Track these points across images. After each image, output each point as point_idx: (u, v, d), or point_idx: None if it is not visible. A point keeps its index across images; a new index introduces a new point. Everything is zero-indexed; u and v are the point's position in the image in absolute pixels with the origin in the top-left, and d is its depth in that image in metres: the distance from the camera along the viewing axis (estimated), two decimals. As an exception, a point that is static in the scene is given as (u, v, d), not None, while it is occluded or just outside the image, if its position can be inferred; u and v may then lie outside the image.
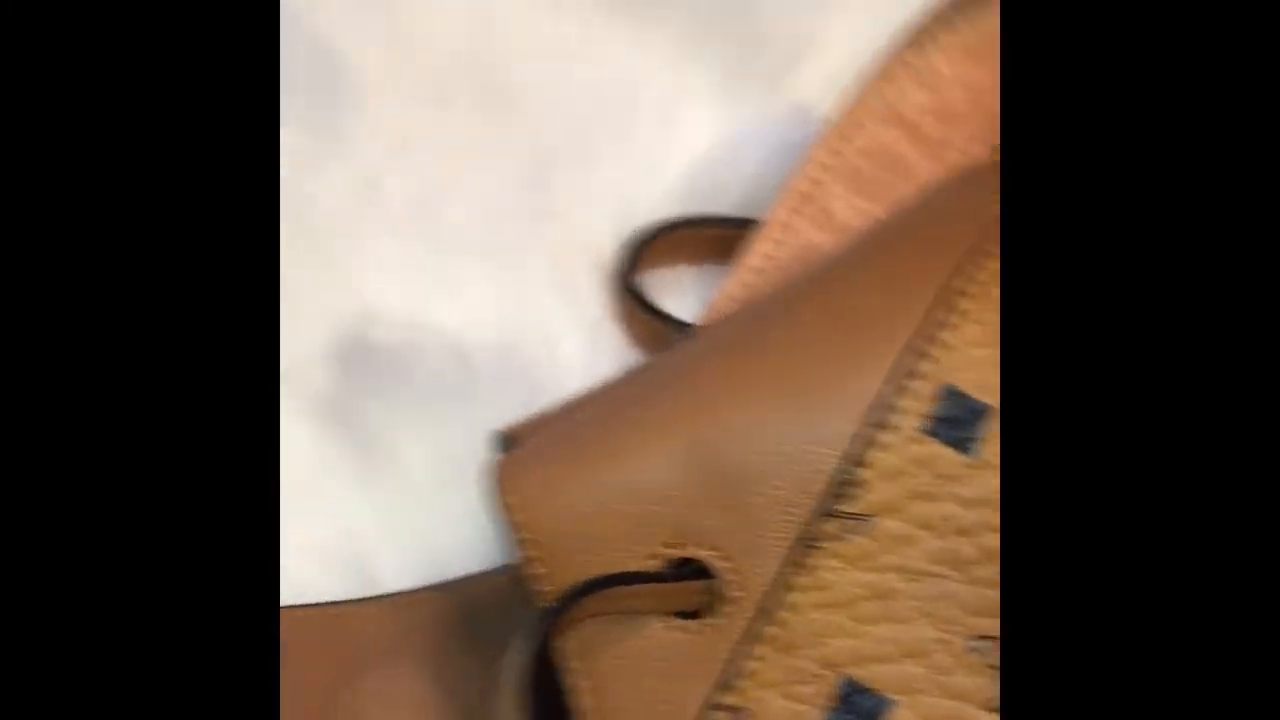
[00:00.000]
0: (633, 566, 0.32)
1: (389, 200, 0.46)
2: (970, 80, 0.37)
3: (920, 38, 0.39)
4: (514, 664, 0.31)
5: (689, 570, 0.32)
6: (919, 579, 0.32)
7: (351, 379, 0.43)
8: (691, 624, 0.32)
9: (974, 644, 0.32)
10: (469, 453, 0.40)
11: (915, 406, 0.32)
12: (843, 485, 0.32)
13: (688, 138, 0.47)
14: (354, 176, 0.45)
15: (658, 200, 0.47)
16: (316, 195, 0.45)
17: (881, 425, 0.32)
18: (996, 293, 0.33)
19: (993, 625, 0.31)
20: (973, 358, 0.32)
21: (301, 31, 0.45)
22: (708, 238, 0.47)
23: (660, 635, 0.32)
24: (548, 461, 0.33)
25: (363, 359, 0.43)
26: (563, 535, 0.32)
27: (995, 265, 0.33)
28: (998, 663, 0.31)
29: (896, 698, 0.31)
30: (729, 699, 0.32)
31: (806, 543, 0.32)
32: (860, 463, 0.32)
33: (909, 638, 0.32)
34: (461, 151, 0.47)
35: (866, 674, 0.32)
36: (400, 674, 0.36)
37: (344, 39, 0.46)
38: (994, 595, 0.32)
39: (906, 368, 0.32)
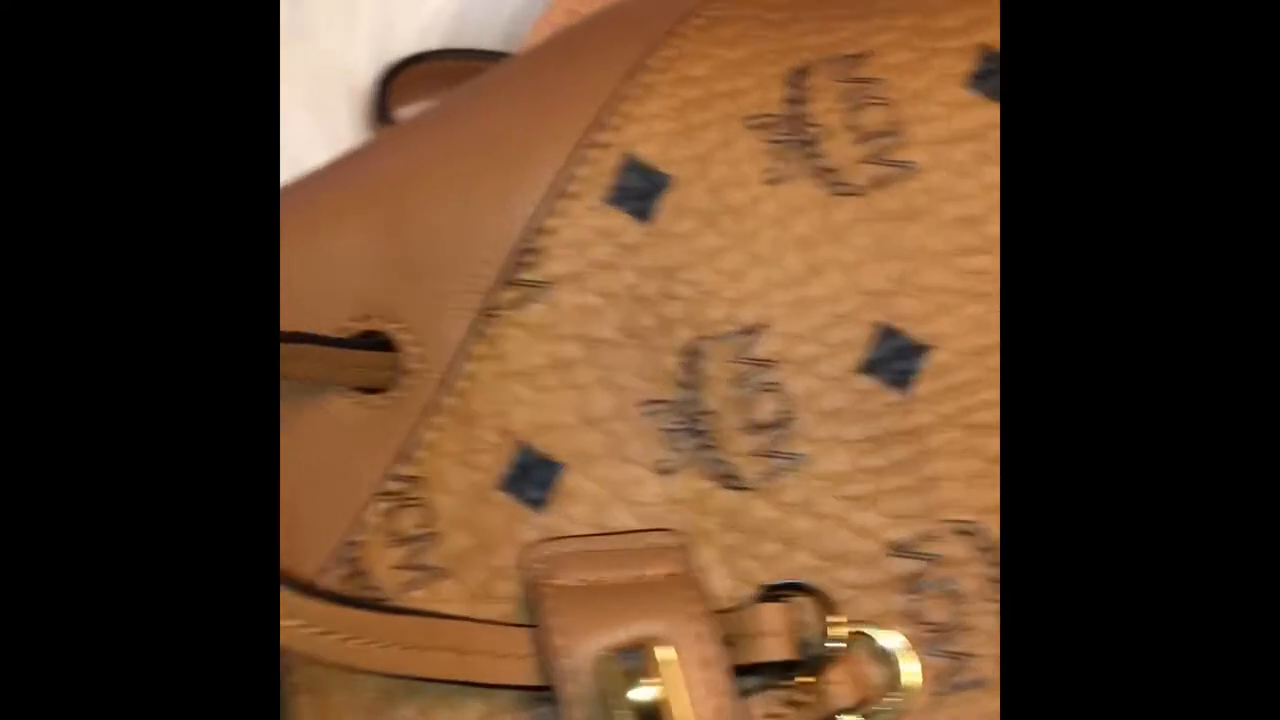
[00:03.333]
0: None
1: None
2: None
3: None
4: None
5: (370, 342, 0.31)
6: (597, 347, 0.31)
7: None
8: (372, 398, 0.31)
9: (647, 409, 0.30)
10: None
11: (597, 176, 0.31)
12: (524, 254, 0.31)
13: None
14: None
15: (419, 29, 0.45)
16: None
17: (563, 194, 0.31)
18: (685, 70, 0.31)
19: (661, 390, 0.30)
20: (655, 130, 0.31)
21: None
22: (470, 71, 0.45)
23: (339, 408, 0.31)
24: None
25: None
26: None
27: (686, 45, 0.31)
28: (669, 425, 0.30)
29: (572, 464, 0.30)
30: (406, 469, 0.30)
31: (488, 312, 0.31)
32: (541, 230, 0.31)
33: (586, 406, 0.30)
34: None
35: (544, 442, 0.30)
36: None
37: None
38: (670, 362, 0.30)
39: (590, 139, 0.31)
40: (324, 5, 0.44)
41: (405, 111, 0.43)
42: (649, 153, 0.31)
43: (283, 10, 0.43)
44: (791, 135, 0.31)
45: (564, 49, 0.32)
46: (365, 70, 0.44)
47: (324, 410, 0.31)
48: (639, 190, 0.31)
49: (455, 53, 0.45)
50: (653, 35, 0.31)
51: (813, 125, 0.31)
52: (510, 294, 0.31)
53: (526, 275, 0.31)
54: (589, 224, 0.31)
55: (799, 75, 0.31)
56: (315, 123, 0.43)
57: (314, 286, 0.31)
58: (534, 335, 0.30)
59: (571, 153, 0.31)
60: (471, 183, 0.31)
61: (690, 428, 0.30)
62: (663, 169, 0.31)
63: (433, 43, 0.44)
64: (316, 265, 0.31)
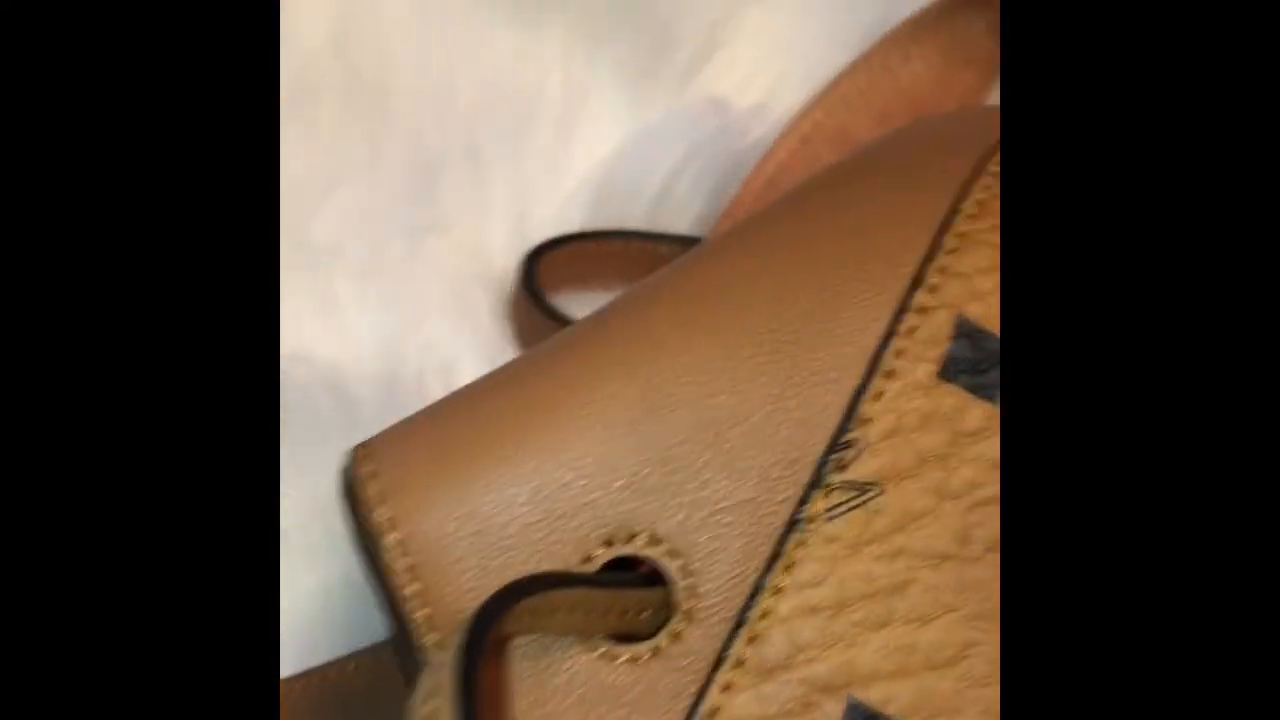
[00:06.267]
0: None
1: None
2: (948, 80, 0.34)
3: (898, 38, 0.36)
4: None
5: (632, 577, 0.22)
6: (940, 564, 0.22)
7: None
8: (632, 649, 0.22)
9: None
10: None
11: (922, 346, 0.23)
12: (834, 448, 0.23)
13: (589, 139, 0.39)
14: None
15: (559, 210, 0.38)
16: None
17: (885, 371, 0.23)
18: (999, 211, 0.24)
19: None
20: (979, 287, 0.23)
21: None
22: (617, 253, 0.38)
23: (590, 670, 0.22)
24: (431, 455, 0.23)
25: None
26: (456, 547, 0.22)
27: (996, 185, 0.24)
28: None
29: (920, 724, 0.21)
30: (692, 750, 0.22)
31: (787, 526, 0.22)
32: (857, 419, 0.23)
33: (931, 642, 0.22)
34: (330, 161, 0.38)
35: (876, 695, 0.22)
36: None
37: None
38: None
39: (909, 301, 0.23)
40: (456, 193, 0.37)
41: (556, 299, 0.37)
42: (978, 314, 0.23)
43: (415, 204, 0.37)
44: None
45: (854, 195, 0.24)
46: (503, 258, 0.37)
47: (572, 673, 0.22)
48: (975, 362, 0.23)
49: (598, 234, 0.38)
50: (959, 173, 0.24)
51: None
52: (818, 501, 0.23)
53: (840, 476, 0.23)
54: (916, 406, 0.23)
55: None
56: (459, 327, 0.36)
57: (541, 507, 0.23)
58: (852, 552, 0.22)
59: (892, 318, 0.23)
60: (752, 362, 0.23)
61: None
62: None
63: (573, 224, 0.38)
64: (537, 479, 0.23)
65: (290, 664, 0.32)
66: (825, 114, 0.38)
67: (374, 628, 0.30)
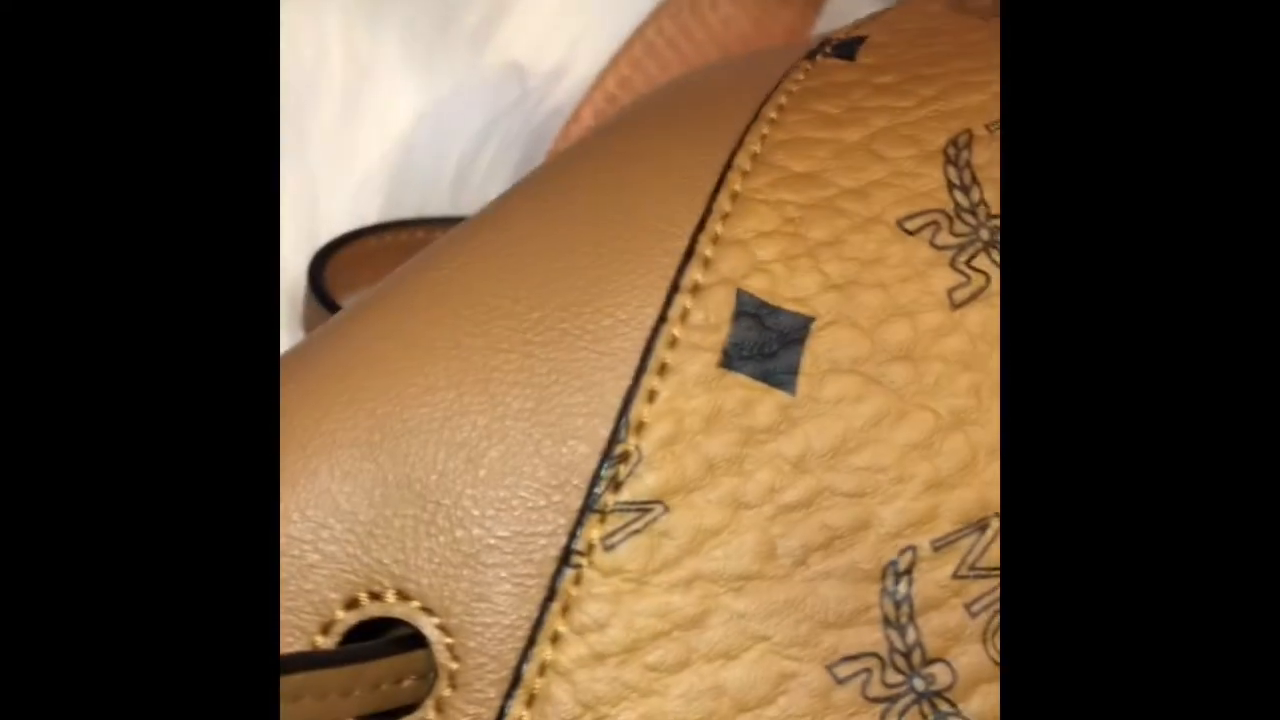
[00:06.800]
0: (297, 649, 0.18)
1: None
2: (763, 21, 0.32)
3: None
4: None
5: (377, 646, 0.19)
6: (743, 587, 0.19)
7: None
8: (399, 725, 0.19)
9: (840, 668, 0.19)
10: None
11: (700, 332, 0.19)
12: (605, 465, 0.19)
13: (378, 119, 0.35)
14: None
15: (350, 200, 0.35)
16: None
17: (657, 367, 0.19)
18: (786, 164, 0.20)
19: (861, 637, 0.18)
20: (761, 256, 0.20)
21: None
22: (420, 244, 0.35)
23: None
24: None
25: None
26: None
27: (778, 133, 0.20)
28: (880, 691, 0.18)
29: (735, 783, 0.18)
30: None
31: (560, 560, 0.19)
32: (629, 427, 0.19)
33: (740, 681, 0.18)
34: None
35: (684, 752, 0.18)
36: None
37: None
38: (861, 592, 0.19)
39: (680, 280, 0.19)
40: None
41: (351, 301, 0.33)
42: (761, 288, 0.19)
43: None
44: (971, 234, 0.20)
45: (618, 158, 0.20)
46: (293, 258, 0.34)
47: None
48: (761, 345, 0.19)
49: (395, 225, 0.35)
50: (733, 125, 0.20)
51: (997, 215, 0.20)
52: (593, 529, 0.19)
53: (614, 496, 0.19)
54: (697, 404, 0.19)
55: (958, 150, 0.20)
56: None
57: (287, 563, 0.19)
58: (639, 584, 0.19)
59: (660, 303, 0.19)
60: (509, 366, 0.19)
61: (912, 689, 0.18)
62: (791, 308, 0.20)
63: (368, 215, 0.34)
64: (291, 527, 0.19)
65: None
66: (631, 69, 0.34)
67: None
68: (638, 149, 0.21)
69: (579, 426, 0.19)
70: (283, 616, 0.18)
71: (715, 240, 0.20)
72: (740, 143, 0.20)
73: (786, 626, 0.19)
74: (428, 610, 0.19)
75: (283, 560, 0.18)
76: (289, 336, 0.33)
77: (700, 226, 0.20)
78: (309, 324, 0.33)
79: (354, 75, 0.35)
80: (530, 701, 0.19)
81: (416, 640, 0.19)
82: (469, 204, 0.35)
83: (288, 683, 0.18)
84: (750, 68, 0.22)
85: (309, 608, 0.19)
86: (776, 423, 0.19)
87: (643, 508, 0.19)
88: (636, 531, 0.19)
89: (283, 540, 0.19)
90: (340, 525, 0.19)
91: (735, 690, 0.19)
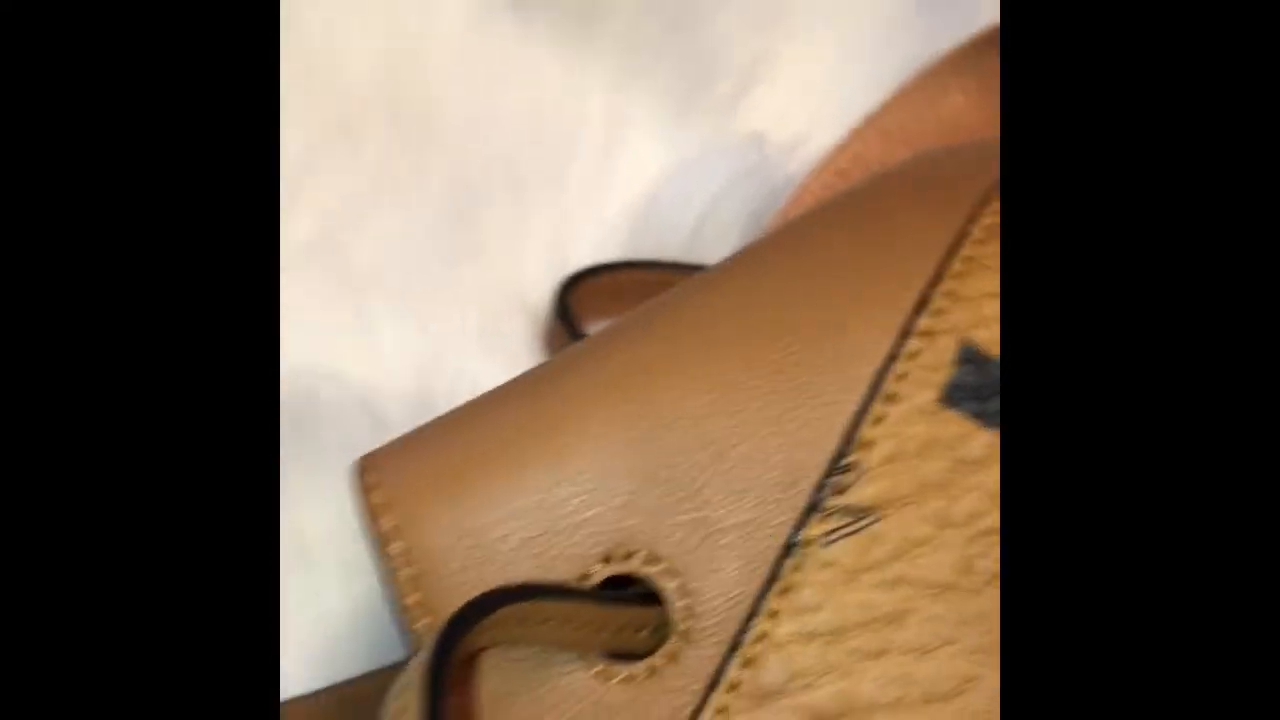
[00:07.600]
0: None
1: (290, 237, 0.37)
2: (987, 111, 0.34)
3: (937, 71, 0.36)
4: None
5: (629, 595, 0.22)
6: (940, 595, 0.22)
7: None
8: (628, 669, 0.22)
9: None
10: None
11: (926, 371, 0.22)
12: (833, 472, 0.22)
13: (629, 170, 0.39)
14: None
15: (597, 240, 0.38)
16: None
17: (886, 395, 0.22)
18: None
19: None
20: (985, 313, 0.23)
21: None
22: (653, 283, 0.38)
23: (586, 687, 0.22)
24: (433, 468, 0.23)
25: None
26: (456, 559, 0.22)
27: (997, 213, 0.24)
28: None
29: (912, 757, 0.21)
30: (682, 769, 0.21)
31: (784, 549, 0.22)
32: (857, 443, 0.22)
33: (929, 674, 0.21)
34: (373, 186, 0.38)
35: (870, 727, 0.21)
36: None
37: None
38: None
39: (913, 325, 0.23)
40: (494, 221, 0.38)
41: (592, 328, 0.36)
42: (983, 340, 0.23)
43: (454, 231, 0.37)
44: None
45: (869, 216, 0.24)
46: (539, 286, 0.37)
47: (565, 687, 0.22)
48: (979, 389, 0.23)
49: (633, 264, 0.38)
50: (970, 197, 0.24)
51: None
52: (816, 526, 0.22)
53: (837, 500, 0.22)
54: (917, 431, 0.22)
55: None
56: (493, 353, 0.36)
57: (541, 520, 0.22)
58: (849, 579, 0.22)
59: (895, 341, 0.23)
60: (749, 386, 0.23)
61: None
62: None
63: (610, 254, 0.38)
64: (539, 492, 0.23)
65: (318, 682, 0.32)
66: (863, 147, 0.38)
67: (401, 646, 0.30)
68: (878, 211, 0.24)
69: (814, 438, 0.22)
70: (547, 564, 0.22)
71: (947, 295, 0.23)
72: (975, 214, 0.23)
73: (975, 635, 0.22)
74: (671, 573, 0.22)
75: (555, 515, 0.22)
76: (530, 355, 0.37)
77: (935, 281, 0.23)
78: (549, 339, 0.37)
79: (612, 130, 0.39)
80: (746, 664, 0.22)
81: (655, 599, 0.22)
82: (701, 254, 0.39)
83: (538, 608, 0.21)
84: (982, 151, 0.25)
85: (570, 558, 0.22)
86: (984, 457, 0.22)
87: (860, 513, 0.22)
88: (853, 533, 0.22)
89: (556, 501, 0.22)
90: (604, 494, 0.22)
91: (924, 682, 0.21)
